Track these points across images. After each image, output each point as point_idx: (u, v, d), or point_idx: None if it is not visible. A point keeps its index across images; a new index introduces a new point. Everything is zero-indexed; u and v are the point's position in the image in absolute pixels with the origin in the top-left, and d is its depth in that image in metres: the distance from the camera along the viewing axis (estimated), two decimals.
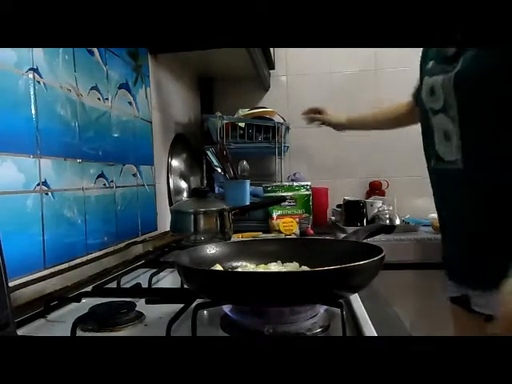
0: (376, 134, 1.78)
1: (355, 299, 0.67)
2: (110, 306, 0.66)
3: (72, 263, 0.86)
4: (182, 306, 0.59)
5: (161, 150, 1.46)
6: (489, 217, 0.82)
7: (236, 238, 1.33)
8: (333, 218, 1.89)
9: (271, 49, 1.90)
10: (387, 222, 1.64)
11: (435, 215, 1.57)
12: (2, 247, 0.47)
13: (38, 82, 0.78)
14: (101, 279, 0.85)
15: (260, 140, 1.71)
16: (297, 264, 0.68)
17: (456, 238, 0.92)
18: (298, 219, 1.48)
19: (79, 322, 0.57)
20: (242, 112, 1.78)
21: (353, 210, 1.68)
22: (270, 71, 2.00)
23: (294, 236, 1.41)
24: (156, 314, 0.65)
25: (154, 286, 0.81)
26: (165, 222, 1.37)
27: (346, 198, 1.75)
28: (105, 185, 1.02)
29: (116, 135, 1.08)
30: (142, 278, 0.92)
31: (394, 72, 1.97)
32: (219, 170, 1.55)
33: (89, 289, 0.77)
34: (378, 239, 0.96)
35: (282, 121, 1.75)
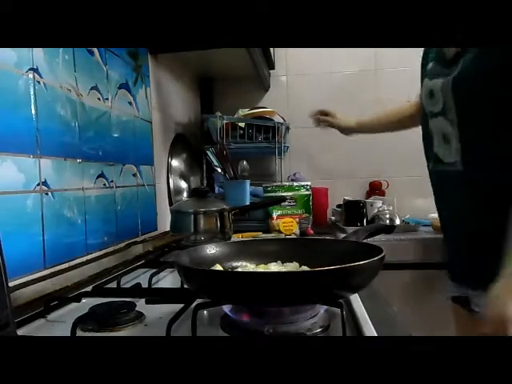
0: (376, 134, 1.78)
1: (355, 299, 0.67)
2: (110, 306, 0.66)
3: (72, 263, 0.86)
4: (182, 305, 0.59)
5: (161, 150, 1.46)
6: (489, 217, 0.82)
7: (236, 238, 1.33)
8: (333, 217, 1.89)
9: (271, 49, 1.90)
10: (387, 222, 1.64)
11: (435, 215, 1.57)
12: (2, 247, 0.47)
13: (38, 82, 0.78)
14: (101, 279, 0.85)
15: (260, 140, 1.71)
16: (297, 264, 0.68)
17: (456, 238, 0.92)
18: (298, 219, 1.48)
19: (79, 322, 0.57)
20: (242, 112, 1.78)
21: (353, 210, 1.68)
22: (270, 71, 2.00)
23: (294, 236, 1.41)
24: (156, 314, 0.65)
25: (154, 286, 0.81)
26: (165, 222, 1.37)
27: (346, 198, 1.75)
28: (105, 185, 1.02)
29: (116, 135, 1.08)
30: (142, 277, 0.92)
31: (393, 72, 1.97)
32: (219, 170, 1.55)
33: (89, 289, 0.78)
34: (378, 239, 0.96)
35: (282, 121, 1.75)
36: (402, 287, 1.51)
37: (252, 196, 1.57)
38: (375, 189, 1.94)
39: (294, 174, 1.91)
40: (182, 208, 1.17)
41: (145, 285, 0.78)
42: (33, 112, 0.77)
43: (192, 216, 1.12)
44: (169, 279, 0.92)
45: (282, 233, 1.43)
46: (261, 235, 1.44)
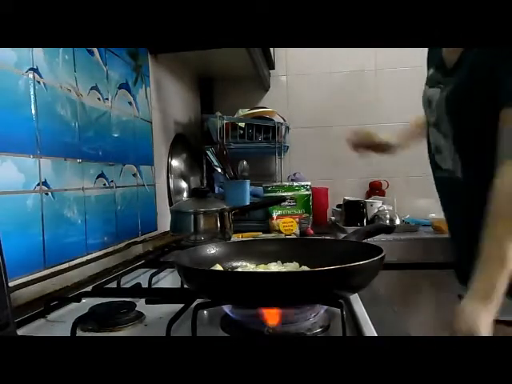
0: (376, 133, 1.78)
1: (355, 299, 0.67)
2: (110, 306, 0.66)
3: (72, 263, 0.86)
4: (182, 305, 0.59)
5: (161, 150, 1.46)
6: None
7: (236, 238, 1.33)
8: (333, 218, 1.89)
9: (271, 49, 1.90)
10: (387, 222, 1.64)
11: (435, 215, 1.57)
12: (2, 247, 0.47)
13: (38, 82, 0.78)
14: (101, 279, 0.85)
15: (260, 140, 1.71)
16: (297, 264, 0.68)
17: (460, 240, 0.93)
18: (298, 219, 1.48)
19: (79, 322, 0.57)
20: (242, 112, 1.78)
21: (353, 210, 1.68)
22: (270, 71, 2.00)
23: (293, 236, 1.41)
24: (156, 314, 0.65)
25: (154, 286, 0.80)
26: (165, 222, 1.37)
27: (346, 197, 1.74)
28: (105, 185, 1.02)
29: (116, 135, 1.08)
30: (142, 277, 0.92)
31: (393, 72, 1.97)
32: (219, 170, 1.55)
33: (89, 289, 0.78)
34: (378, 239, 0.96)
35: (282, 121, 1.75)
36: (402, 287, 1.51)
37: (252, 196, 1.57)
38: (375, 189, 1.94)
39: (294, 174, 1.91)
40: (182, 208, 1.17)
41: (145, 285, 0.78)
42: (33, 112, 0.77)
43: (192, 216, 1.12)
44: (169, 279, 0.92)
45: (282, 233, 1.43)
46: (261, 235, 1.44)
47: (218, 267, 0.66)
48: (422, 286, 1.53)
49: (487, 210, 0.70)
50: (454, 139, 0.85)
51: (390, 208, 1.71)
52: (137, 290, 0.75)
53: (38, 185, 0.77)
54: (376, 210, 1.68)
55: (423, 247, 1.53)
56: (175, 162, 1.59)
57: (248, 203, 1.48)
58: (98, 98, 1.00)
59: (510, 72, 0.74)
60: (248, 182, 1.52)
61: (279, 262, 0.70)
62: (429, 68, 0.96)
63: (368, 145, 1.19)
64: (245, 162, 1.55)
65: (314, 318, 0.57)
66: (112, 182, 1.06)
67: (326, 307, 0.58)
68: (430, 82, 0.92)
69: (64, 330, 0.58)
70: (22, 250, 0.73)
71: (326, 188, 1.85)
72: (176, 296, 0.66)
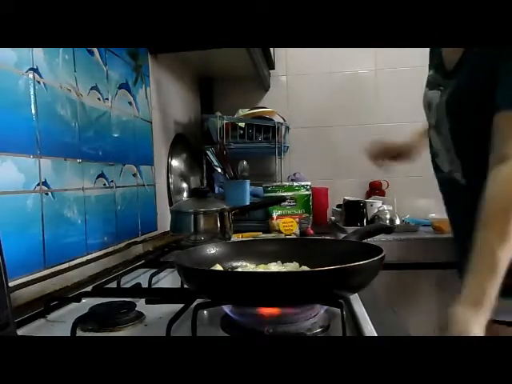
0: (376, 133, 1.79)
1: (355, 299, 0.67)
2: (110, 306, 0.66)
3: (72, 263, 0.86)
4: (182, 305, 0.59)
5: (161, 150, 1.46)
6: None
7: (236, 238, 1.33)
8: (333, 218, 1.89)
9: (271, 49, 1.90)
10: (387, 222, 1.64)
11: (435, 215, 1.57)
12: (2, 247, 0.47)
13: (38, 82, 0.78)
14: (101, 279, 0.85)
15: (260, 140, 1.71)
16: (297, 264, 0.68)
17: (461, 240, 0.93)
18: (298, 219, 1.48)
19: (79, 322, 0.57)
20: (242, 112, 1.78)
21: (353, 210, 1.68)
22: (270, 71, 2.00)
23: (294, 236, 1.41)
24: (156, 314, 0.65)
25: (154, 286, 0.81)
26: (165, 222, 1.37)
27: (346, 197, 1.74)
28: (105, 185, 1.02)
29: (116, 135, 1.08)
30: (142, 277, 0.92)
31: (393, 72, 1.97)
32: (219, 170, 1.55)
33: (89, 289, 0.78)
34: (378, 239, 0.96)
35: (282, 121, 1.75)
36: (402, 287, 1.51)
37: (252, 196, 1.57)
38: (375, 189, 1.94)
39: (294, 174, 1.91)
40: (182, 208, 1.17)
41: (145, 285, 0.78)
42: (33, 112, 0.77)
43: (192, 216, 1.12)
44: (169, 279, 0.92)
45: (282, 233, 1.43)
46: (261, 235, 1.44)
47: (218, 267, 0.66)
48: (421, 286, 1.53)
49: (478, 215, 0.70)
50: (453, 141, 0.85)
51: (390, 208, 1.71)
52: (137, 290, 0.75)
53: (38, 185, 0.77)
54: (376, 210, 1.68)
55: (423, 247, 1.53)
56: (175, 162, 1.59)
57: (248, 203, 1.48)
58: (98, 98, 1.00)
59: (507, 73, 0.74)
60: (248, 182, 1.52)
61: (279, 262, 0.70)
62: (429, 69, 0.96)
63: (388, 154, 1.17)
64: (245, 162, 1.55)
65: (313, 318, 0.57)
66: (112, 182, 1.06)
67: (325, 307, 0.58)
68: (430, 85, 0.92)
69: (64, 330, 0.58)
70: (21, 250, 0.73)
71: (326, 188, 1.85)
72: (176, 296, 0.66)
